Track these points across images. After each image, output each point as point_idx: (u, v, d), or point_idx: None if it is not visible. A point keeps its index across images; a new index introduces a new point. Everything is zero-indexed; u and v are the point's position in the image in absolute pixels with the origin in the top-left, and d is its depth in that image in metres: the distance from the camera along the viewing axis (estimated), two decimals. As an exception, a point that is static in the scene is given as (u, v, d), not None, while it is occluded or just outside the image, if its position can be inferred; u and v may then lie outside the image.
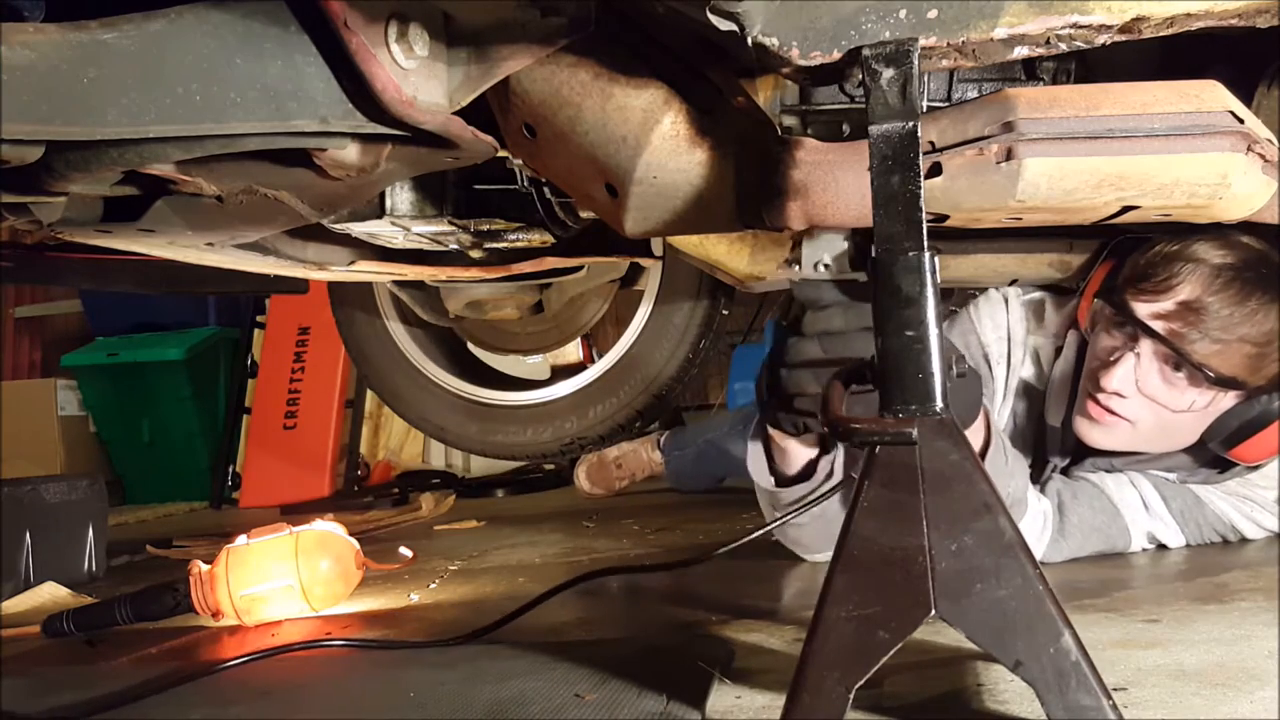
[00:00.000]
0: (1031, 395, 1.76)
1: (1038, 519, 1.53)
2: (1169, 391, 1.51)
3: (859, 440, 0.83)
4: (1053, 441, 1.72)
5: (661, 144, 1.01)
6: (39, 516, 2.19)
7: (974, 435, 1.28)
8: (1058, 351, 1.74)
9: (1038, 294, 1.81)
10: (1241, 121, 0.95)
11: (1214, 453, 1.58)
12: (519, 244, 1.78)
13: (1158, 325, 1.48)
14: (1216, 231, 1.46)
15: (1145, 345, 1.51)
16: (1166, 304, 1.48)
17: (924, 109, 0.92)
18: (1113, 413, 1.55)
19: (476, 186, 1.59)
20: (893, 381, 0.82)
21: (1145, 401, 1.53)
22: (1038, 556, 1.53)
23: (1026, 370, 1.77)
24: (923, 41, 0.85)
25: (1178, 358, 1.47)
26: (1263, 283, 1.46)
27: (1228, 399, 1.51)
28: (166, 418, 4.54)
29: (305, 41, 0.88)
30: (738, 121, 1.02)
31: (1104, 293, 1.57)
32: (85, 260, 1.68)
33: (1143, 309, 1.50)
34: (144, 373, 4.47)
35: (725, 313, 2.70)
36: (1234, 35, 0.93)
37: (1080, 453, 1.71)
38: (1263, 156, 0.96)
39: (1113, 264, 1.63)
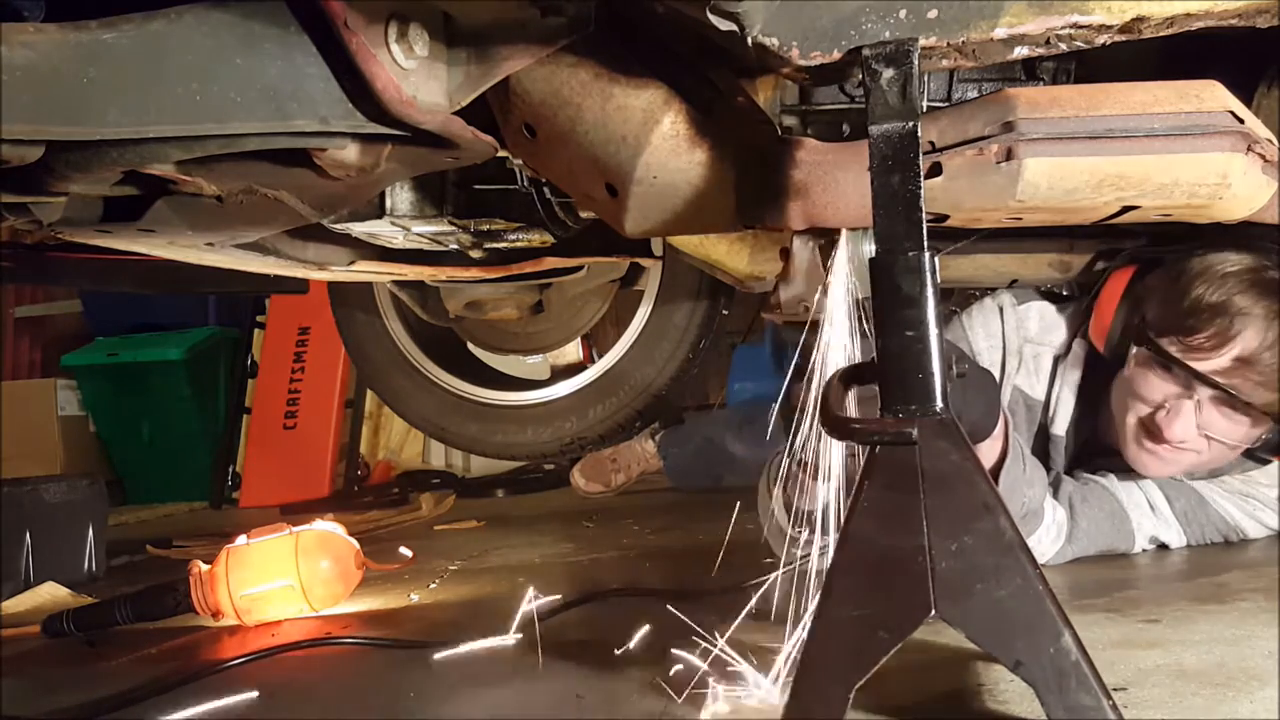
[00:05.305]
0: (1029, 404, 1.76)
1: (1051, 530, 1.52)
2: (1233, 428, 1.52)
3: (859, 440, 0.83)
4: (1055, 449, 1.72)
5: (661, 144, 1.01)
6: (39, 516, 2.19)
7: (994, 443, 1.28)
8: (1055, 360, 1.74)
9: (1034, 302, 1.80)
10: (1241, 121, 0.94)
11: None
12: (519, 244, 1.78)
13: (1215, 378, 1.47)
14: (1239, 259, 1.45)
15: (1203, 392, 1.50)
16: (1222, 361, 1.47)
17: (924, 109, 0.91)
18: (1178, 450, 1.54)
19: (476, 186, 1.58)
20: (893, 381, 0.82)
21: (1207, 439, 1.53)
22: (1046, 561, 1.53)
23: (1022, 379, 1.76)
24: (923, 41, 0.85)
25: (1240, 404, 1.48)
26: None
27: None
28: (166, 418, 4.53)
29: (305, 41, 0.88)
30: (738, 121, 1.02)
31: (1142, 338, 1.54)
32: (85, 260, 1.68)
33: (1197, 365, 1.48)
34: (144, 373, 4.46)
35: (725, 313, 2.70)
36: (1234, 35, 0.93)
37: (1081, 456, 1.71)
38: (1263, 156, 0.96)
39: (1132, 273, 1.59)
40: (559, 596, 1.51)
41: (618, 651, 1.22)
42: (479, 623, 1.39)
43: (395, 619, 1.61)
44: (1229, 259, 1.46)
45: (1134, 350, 1.57)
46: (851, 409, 0.92)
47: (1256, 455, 1.60)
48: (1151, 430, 1.54)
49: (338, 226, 1.56)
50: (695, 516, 2.54)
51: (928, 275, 0.81)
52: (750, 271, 1.87)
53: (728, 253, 1.86)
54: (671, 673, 1.08)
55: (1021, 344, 1.76)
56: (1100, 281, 1.64)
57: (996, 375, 1.76)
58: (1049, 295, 1.82)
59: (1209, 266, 1.47)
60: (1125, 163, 0.94)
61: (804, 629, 0.95)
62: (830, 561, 0.83)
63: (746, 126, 1.02)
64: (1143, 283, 1.57)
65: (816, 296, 1.06)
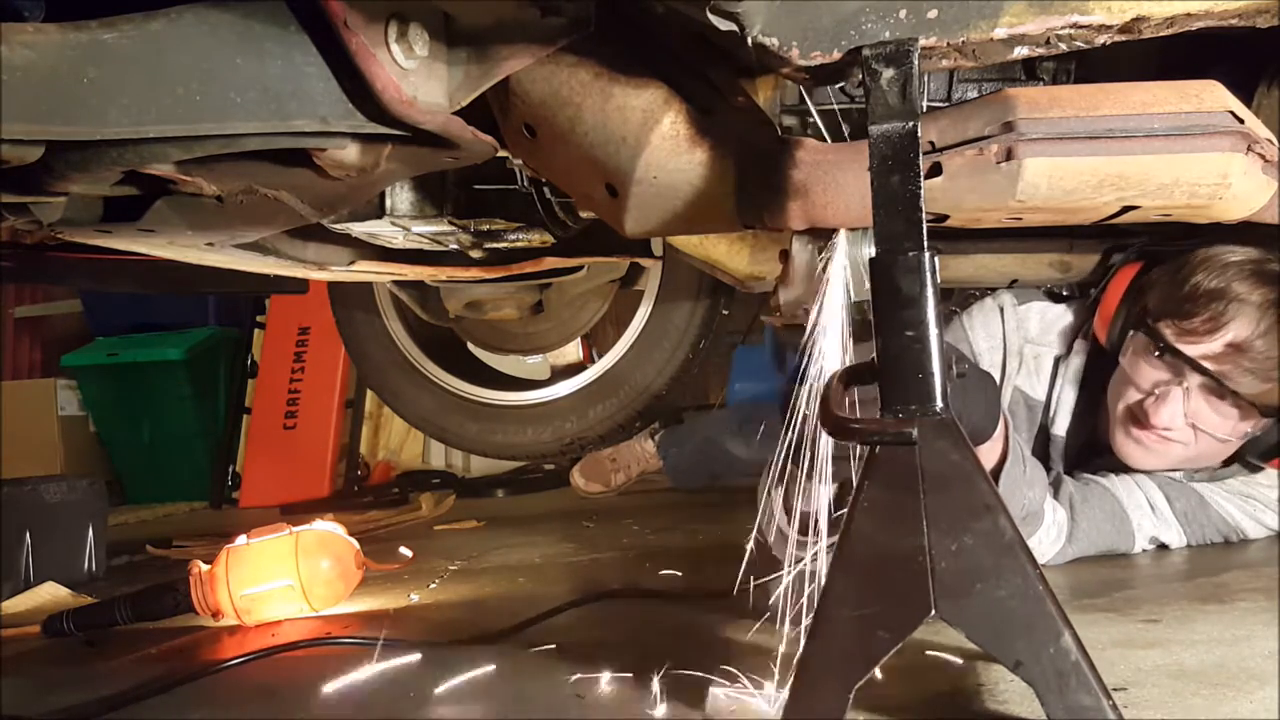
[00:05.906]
0: (1030, 404, 1.75)
1: (1051, 531, 1.53)
2: (1220, 421, 1.53)
3: (859, 440, 0.83)
4: (1055, 449, 1.72)
5: (661, 144, 1.01)
6: (39, 516, 2.19)
7: (994, 444, 1.28)
8: (1057, 361, 1.74)
9: (1035, 302, 1.80)
10: (1241, 121, 0.94)
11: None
12: (519, 244, 1.78)
13: (1206, 364, 1.48)
14: (1243, 251, 1.47)
15: (1193, 379, 1.51)
16: (1215, 346, 1.48)
17: (924, 109, 0.91)
18: (1163, 440, 1.55)
19: (476, 186, 1.59)
20: (893, 381, 0.82)
21: (1194, 430, 1.54)
22: (1046, 562, 1.53)
23: (1023, 379, 1.76)
24: (923, 41, 0.85)
25: (1229, 393, 1.48)
26: None
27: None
28: (166, 418, 4.53)
29: (305, 41, 0.88)
30: (738, 121, 1.02)
31: (1140, 324, 1.56)
32: (85, 260, 1.67)
33: (1190, 350, 1.50)
34: (144, 373, 4.46)
35: (725, 313, 2.70)
36: (1234, 35, 0.93)
37: (1081, 456, 1.71)
38: (1263, 156, 0.96)
39: (1138, 269, 1.60)
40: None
41: (616, 654, 1.22)
42: (479, 623, 1.39)
43: (395, 619, 1.61)
44: (1232, 250, 1.48)
45: (1130, 334, 1.58)
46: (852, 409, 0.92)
47: (1249, 461, 1.60)
48: (1139, 416, 1.55)
49: (338, 226, 1.56)
50: (695, 516, 2.54)
51: (928, 275, 0.81)
52: (750, 272, 1.87)
53: (728, 253, 1.86)
54: (672, 673, 1.08)
55: (1022, 344, 1.76)
56: (1107, 277, 1.65)
57: (997, 376, 1.76)
58: (1050, 295, 1.82)
59: (1211, 256, 1.49)
60: (1125, 163, 0.94)
61: (804, 629, 0.95)
62: (830, 561, 0.83)
63: (746, 126, 1.02)
64: (1147, 276, 1.58)
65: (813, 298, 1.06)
